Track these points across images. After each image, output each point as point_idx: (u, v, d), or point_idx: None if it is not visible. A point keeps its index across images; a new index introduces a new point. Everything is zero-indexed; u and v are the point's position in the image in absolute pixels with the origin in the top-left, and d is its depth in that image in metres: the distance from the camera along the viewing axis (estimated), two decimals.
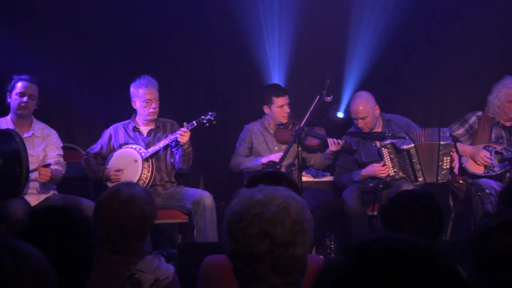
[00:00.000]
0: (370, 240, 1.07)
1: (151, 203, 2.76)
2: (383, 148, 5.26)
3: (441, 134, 5.21)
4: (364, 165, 5.45)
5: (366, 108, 5.41)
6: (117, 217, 2.64)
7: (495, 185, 5.06)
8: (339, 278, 1.03)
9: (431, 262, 1.03)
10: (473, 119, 5.64)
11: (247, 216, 1.77)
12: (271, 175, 2.73)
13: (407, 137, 5.25)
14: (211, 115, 5.21)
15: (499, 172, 5.37)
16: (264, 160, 5.37)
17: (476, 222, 5.09)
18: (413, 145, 5.16)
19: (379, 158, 5.34)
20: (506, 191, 2.94)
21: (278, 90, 5.60)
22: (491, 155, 5.42)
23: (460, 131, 5.62)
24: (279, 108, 5.56)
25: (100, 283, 2.57)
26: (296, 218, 1.78)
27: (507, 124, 5.59)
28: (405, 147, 5.17)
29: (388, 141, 5.26)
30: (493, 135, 5.57)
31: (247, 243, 1.76)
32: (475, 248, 1.98)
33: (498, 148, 5.47)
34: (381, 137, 5.39)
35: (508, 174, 5.40)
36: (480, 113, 5.64)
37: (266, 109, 5.64)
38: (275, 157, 5.32)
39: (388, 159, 5.26)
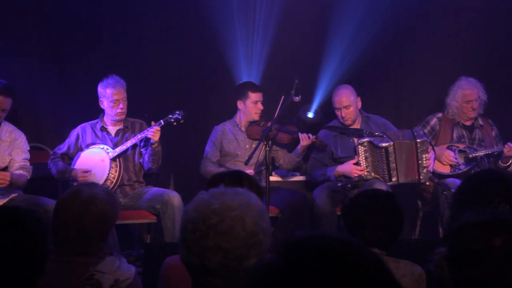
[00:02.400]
0: (300, 239, 1.08)
1: (112, 203, 2.74)
2: (359, 146, 5.28)
3: (415, 133, 5.27)
4: (339, 160, 5.47)
5: (349, 97, 5.45)
6: (77, 217, 2.62)
7: None
8: (269, 277, 1.03)
9: (361, 261, 1.04)
10: (434, 120, 5.75)
11: (202, 227, 1.73)
12: (232, 175, 2.74)
13: (385, 136, 5.29)
14: (178, 114, 5.20)
15: (465, 170, 5.47)
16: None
17: (443, 221, 5.15)
18: (391, 143, 5.20)
19: (355, 154, 5.36)
20: (459, 192, 2.96)
21: (254, 86, 5.68)
22: (455, 154, 5.51)
23: None
24: (253, 104, 5.58)
25: (59, 284, 2.55)
26: (252, 230, 1.74)
27: (467, 123, 5.73)
28: (384, 144, 5.20)
29: (365, 139, 5.29)
30: (454, 135, 5.68)
31: (200, 256, 1.73)
32: (452, 241, 1.99)
33: (461, 146, 5.58)
34: (359, 134, 5.42)
35: (473, 172, 5.48)
36: (440, 115, 5.76)
37: (240, 105, 5.64)
38: (251, 172, 5.32)
39: (363, 157, 5.28)
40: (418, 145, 5.21)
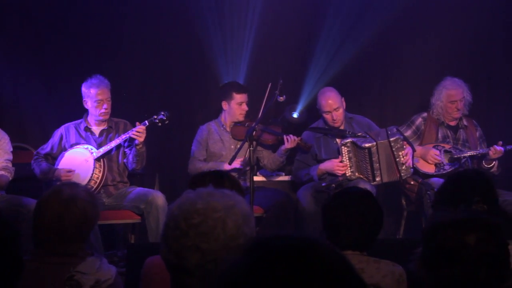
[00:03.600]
0: (265, 239, 1.09)
1: (93, 203, 2.72)
2: (343, 147, 5.30)
3: (389, 132, 5.29)
4: (322, 162, 5.47)
5: (337, 99, 5.46)
6: (58, 217, 2.60)
7: None
8: (234, 277, 1.04)
9: (324, 260, 1.05)
10: (419, 120, 5.77)
11: (183, 225, 1.73)
12: (213, 175, 2.73)
13: (368, 136, 5.31)
14: (163, 115, 5.19)
15: (449, 170, 5.49)
16: (228, 167, 5.30)
17: (427, 219, 5.18)
18: (374, 143, 5.22)
19: (339, 155, 5.37)
20: (441, 190, 2.99)
21: (239, 87, 5.64)
22: (440, 153, 5.54)
23: (408, 133, 5.72)
24: (237, 105, 5.57)
25: (40, 284, 2.54)
26: (233, 233, 1.73)
27: (452, 123, 5.76)
28: (366, 145, 5.22)
29: (348, 140, 5.31)
30: (439, 135, 5.71)
31: (178, 254, 1.73)
32: (426, 241, 1.99)
33: (447, 147, 5.62)
34: (342, 135, 5.43)
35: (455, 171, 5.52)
36: (425, 114, 5.78)
37: (224, 105, 5.63)
38: (239, 164, 5.32)
39: (347, 158, 5.30)
40: (392, 143, 5.24)
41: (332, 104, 5.44)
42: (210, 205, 1.75)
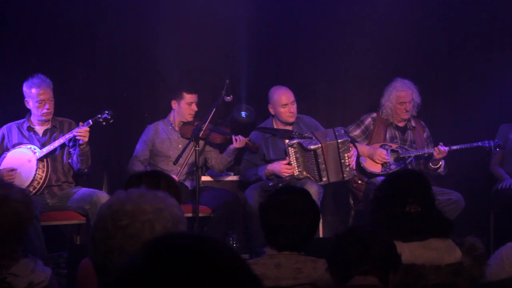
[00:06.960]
0: (158, 238, 1.11)
1: (27, 204, 2.67)
2: (289, 148, 5.32)
3: (336, 133, 5.32)
4: (271, 162, 5.50)
5: (292, 93, 5.52)
6: None
7: None
8: (127, 275, 1.06)
9: (215, 256, 1.07)
10: (368, 120, 5.83)
11: (110, 227, 1.71)
12: (149, 175, 2.72)
13: (314, 137, 5.34)
14: (107, 114, 5.13)
15: (395, 170, 5.53)
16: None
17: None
18: (320, 145, 5.25)
19: (286, 155, 5.40)
20: (378, 191, 3.02)
21: (189, 87, 5.63)
22: (387, 153, 5.60)
23: (357, 132, 5.78)
24: (187, 105, 5.55)
25: None
26: None
27: (400, 124, 5.82)
28: (312, 147, 5.25)
29: (295, 141, 5.33)
30: (387, 136, 5.77)
31: (104, 256, 1.72)
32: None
33: (394, 146, 5.68)
34: (289, 136, 5.45)
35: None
36: (374, 115, 5.84)
37: (174, 104, 5.61)
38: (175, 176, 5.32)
39: (294, 158, 5.33)
40: (340, 145, 5.28)
41: (290, 97, 5.48)
42: (139, 207, 1.73)
